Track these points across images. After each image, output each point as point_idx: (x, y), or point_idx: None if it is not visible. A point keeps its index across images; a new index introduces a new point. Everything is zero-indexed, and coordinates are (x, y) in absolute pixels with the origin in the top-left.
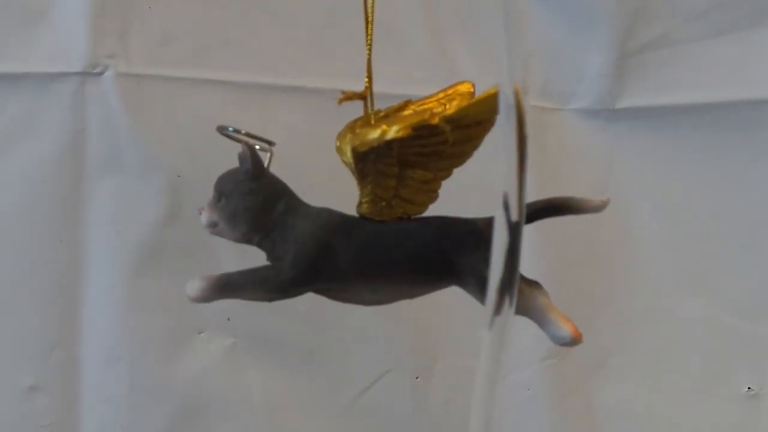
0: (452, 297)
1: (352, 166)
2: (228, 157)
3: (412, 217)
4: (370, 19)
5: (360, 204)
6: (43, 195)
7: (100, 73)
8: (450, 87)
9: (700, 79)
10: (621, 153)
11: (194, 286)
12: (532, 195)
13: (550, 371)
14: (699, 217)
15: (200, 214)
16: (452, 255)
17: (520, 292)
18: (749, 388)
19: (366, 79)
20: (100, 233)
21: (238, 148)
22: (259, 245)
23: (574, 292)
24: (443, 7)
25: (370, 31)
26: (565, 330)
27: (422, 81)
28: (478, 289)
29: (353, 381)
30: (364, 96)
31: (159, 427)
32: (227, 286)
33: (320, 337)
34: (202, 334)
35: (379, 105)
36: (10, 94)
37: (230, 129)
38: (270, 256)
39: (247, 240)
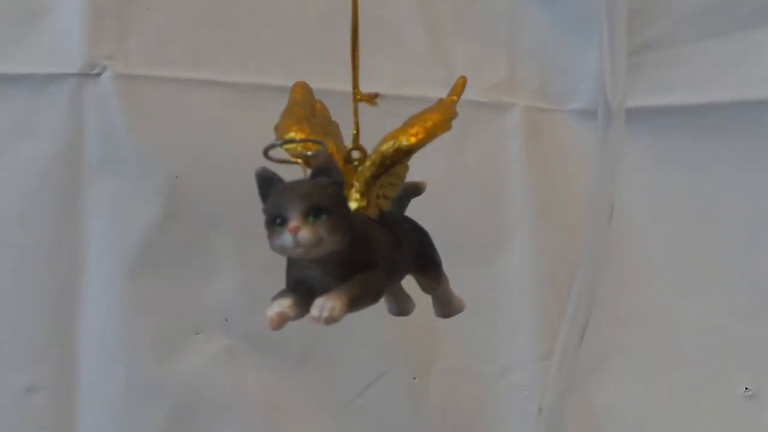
0: None
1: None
2: (225, 159)
3: (385, 213)
4: (355, 28)
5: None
6: (41, 195)
7: (98, 74)
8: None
9: (698, 79)
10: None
11: (328, 305)
12: (531, 195)
13: (547, 371)
14: (698, 217)
15: (295, 234)
16: (422, 246)
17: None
18: (747, 388)
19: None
20: (97, 234)
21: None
22: (339, 253)
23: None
24: (441, 7)
25: (356, 44)
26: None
27: (421, 82)
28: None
29: (351, 382)
30: (373, 101)
31: (156, 428)
32: (353, 300)
33: (317, 337)
34: (199, 335)
35: (380, 106)
36: (8, 95)
37: (279, 142)
38: (348, 260)
39: (339, 249)
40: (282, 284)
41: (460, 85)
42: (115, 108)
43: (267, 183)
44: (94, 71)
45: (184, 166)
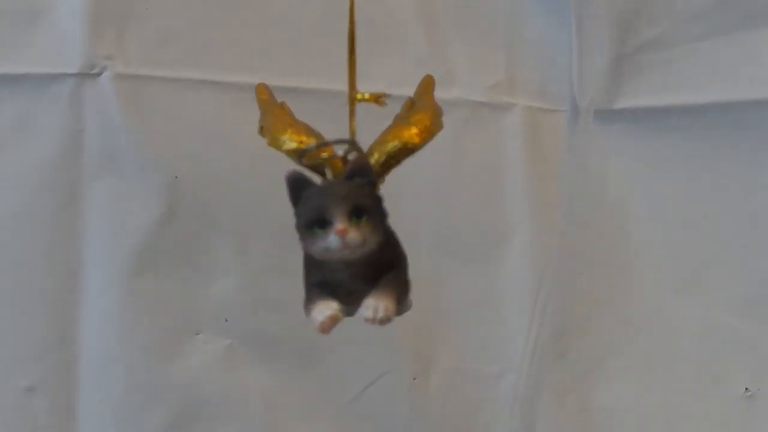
0: (448, 300)
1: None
2: (224, 159)
3: None
4: (352, 34)
5: None
6: (41, 195)
7: (98, 74)
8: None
9: (696, 80)
10: (618, 153)
11: (381, 306)
12: (528, 193)
13: (546, 372)
14: (696, 217)
15: (344, 236)
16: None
17: None
18: (747, 389)
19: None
20: (97, 234)
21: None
22: (370, 254)
23: (571, 293)
24: (441, 7)
25: (353, 47)
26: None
27: (418, 82)
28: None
29: (351, 382)
30: (380, 100)
31: (156, 428)
32: (397, 299)
33: (317, 338)
34: (199, 335)
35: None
36: (8, 95)
37: (312, 147)
38: (375, 261)
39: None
40: (282, 284)
41: (431, 83)
42: (114, 108)
43: (299, 186)
44: (94, 71)
45: (184, 167)
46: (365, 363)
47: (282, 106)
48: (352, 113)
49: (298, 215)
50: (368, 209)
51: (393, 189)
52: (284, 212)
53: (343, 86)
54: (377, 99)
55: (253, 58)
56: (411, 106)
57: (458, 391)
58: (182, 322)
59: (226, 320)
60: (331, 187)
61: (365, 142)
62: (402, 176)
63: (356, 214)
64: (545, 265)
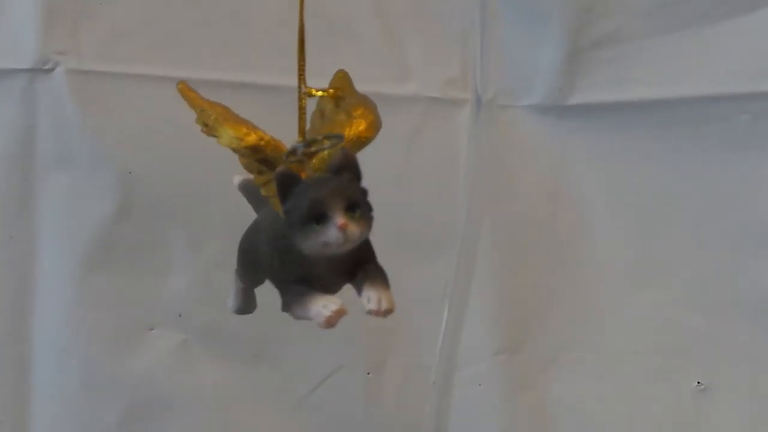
0: (402, 294)
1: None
2: (178, 155)
3: None
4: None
5: None
6: None
7: (51, 70)
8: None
9: (650, 75)
10: (572, 149)
11: (384, 298)
12: (483, 189)
13: (502, 366)
14: (650, 213)
15: (345, 229)
16: None
17: None
18: (699, 382)
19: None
20: (50, 229)
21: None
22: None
23: (526, 287)
24: (394, 2)
25: (302, 43)
26: None
27: (375, 78)
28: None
29: (305, 377)
30: (335, 95)
31: (110, 423)
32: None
33: (271, 333)
34: (153, 331)
35: None
36: None
37: (301, 145)
38: (354, 253)
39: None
40: None
41: (348, 78)
42: (67, 103)
43: (288, 183)
44: (47, 66)
45: (138, 162)
46: (319, 358)
47: (212, 102)
48: (302, 110)
49: (289, 212)
50: (360, 203)
51: None
52: (238, 207)
53: (295, 82)
54: (333, 94)
55: (207, 53)
56: (338, 103)
57: (413, 387)
58: (136, 317)
59: (180, 315)
60: (324, 182)
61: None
62: None
63: (352, 208)
64: (500, 260)
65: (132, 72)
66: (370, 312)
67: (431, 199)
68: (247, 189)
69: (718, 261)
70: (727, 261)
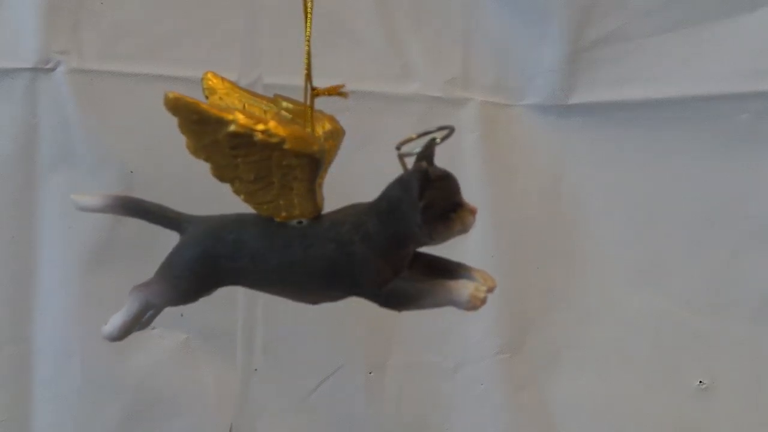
0: None
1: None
2: (179, 154)
3: None
4: (309, 13)
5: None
6: None
7: (52, 69)
8: None
9: (651, 74)
10: (573, 148)
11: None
12: (485, 191)
13: (503, 365)
14: (651, 212)
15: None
16: None
17: None
18: (701, 381)
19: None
20: (52, 229)
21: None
22: None
23: (527, 286)
24: (398, 3)
25: (309, 26)
26: None
27: (377, 77)
28: None
29: (307, 376)
30: (342, 93)
31: (111, 423)
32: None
33: (274, 333)
34: (154, 330)
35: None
36: None
37: (415, 135)
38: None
39: None
40: None
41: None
42: (69, 103)
43: (427, 180)
44: (48, 66)
45: (139, 161)
46: (321, 357)
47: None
48: (311, 108)
49: (428, 207)
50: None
51: (348, 185)
52: (239, 206)
53: (300, 81)
54: (339, 92)
55: (208, 53)
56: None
57: (414, 386)
58: None
59: (182, 315)
60: (443, 174)
61: None
62: (356, 171)
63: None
64: (500, 260)
65: (133, 71)
66: (491, 290)
67: None
68: None
69: (718, 261)
70: (727, 261)
